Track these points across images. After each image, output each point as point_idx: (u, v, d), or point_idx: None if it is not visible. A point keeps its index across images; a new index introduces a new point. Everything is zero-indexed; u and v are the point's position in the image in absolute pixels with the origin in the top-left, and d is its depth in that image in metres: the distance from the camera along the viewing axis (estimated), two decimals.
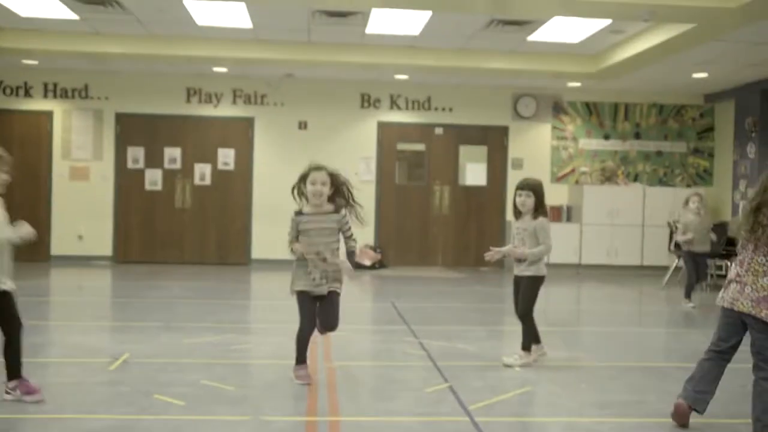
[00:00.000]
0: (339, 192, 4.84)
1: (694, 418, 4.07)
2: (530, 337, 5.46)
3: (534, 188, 5.37)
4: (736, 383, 4.52)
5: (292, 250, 4.80)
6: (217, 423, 4.02)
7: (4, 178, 4.25)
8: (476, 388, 4.78)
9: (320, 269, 4.74)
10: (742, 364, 4.17)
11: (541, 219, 5.36)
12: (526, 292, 5.40)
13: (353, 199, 4.89)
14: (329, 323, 4.89)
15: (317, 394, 4.60)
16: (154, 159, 12.01)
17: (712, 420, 4.15)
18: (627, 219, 12.03)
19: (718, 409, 4.20)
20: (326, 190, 4.75)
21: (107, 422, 3.97)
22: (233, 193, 12.08)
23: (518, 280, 5.47)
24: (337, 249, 4.81)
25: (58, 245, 11.74)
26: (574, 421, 4.25)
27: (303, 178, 4.81)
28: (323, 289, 4.77)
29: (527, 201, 5.36)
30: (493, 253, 5.43)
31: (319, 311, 4.84)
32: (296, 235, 4.79)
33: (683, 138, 12.68)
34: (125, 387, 4.65)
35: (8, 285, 4.27)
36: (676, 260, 10.51)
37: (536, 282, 5.40)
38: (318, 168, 4.78)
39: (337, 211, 4.81)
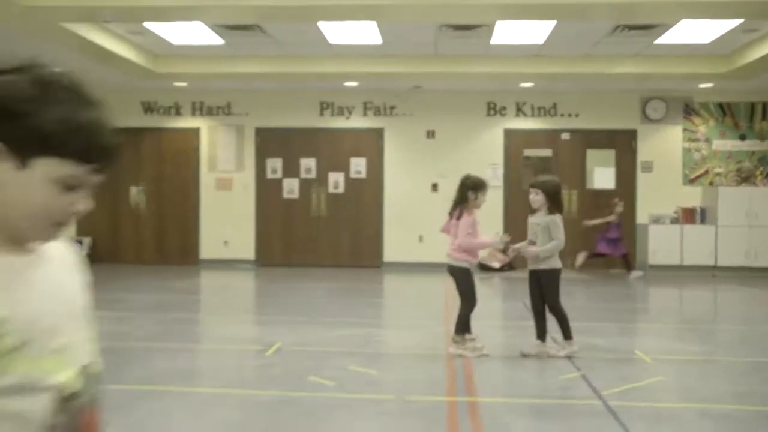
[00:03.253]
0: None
1: None
2: (567, 326, 5.64)
3: (543, 187, 5.78)
4: None
5: None
6: (366, 401, 4.43)
7: None
8: (608, 378, 4.96)
9: None
10: None
11: (553, 215, 5.66)
12: (548, 285, 5.63)
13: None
14: None
15: (455, 379, 4.92)
16: (291, 169, 12.77)
17: None
18: (767, 220, 11.62)
19: None
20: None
21: (271, 397, 4.46)
22: (365, 200, 12.63)
23: (535, 275, 5.72)
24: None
25: (206, 250, 12.66)
26: (709, 407, 4.36)
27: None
28: None
29: (536, 198, 5.77)
30: (511, 251, 5.91)
31: None
32: None
33: None
34: (281, 369, 5.16)
35: None
36: None
37: (553, 274, 5.65)
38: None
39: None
